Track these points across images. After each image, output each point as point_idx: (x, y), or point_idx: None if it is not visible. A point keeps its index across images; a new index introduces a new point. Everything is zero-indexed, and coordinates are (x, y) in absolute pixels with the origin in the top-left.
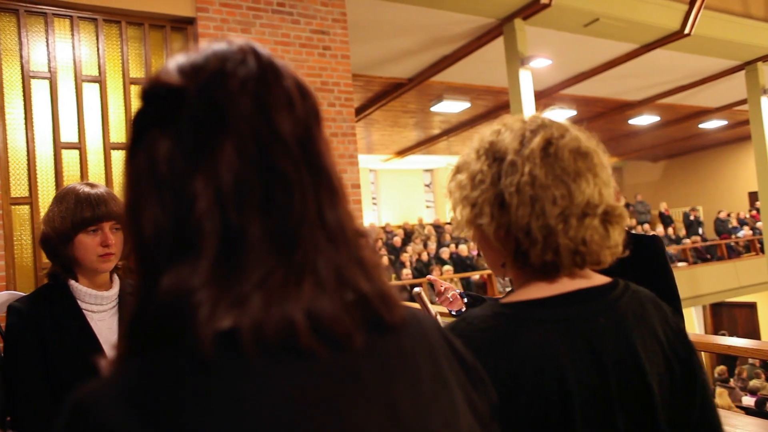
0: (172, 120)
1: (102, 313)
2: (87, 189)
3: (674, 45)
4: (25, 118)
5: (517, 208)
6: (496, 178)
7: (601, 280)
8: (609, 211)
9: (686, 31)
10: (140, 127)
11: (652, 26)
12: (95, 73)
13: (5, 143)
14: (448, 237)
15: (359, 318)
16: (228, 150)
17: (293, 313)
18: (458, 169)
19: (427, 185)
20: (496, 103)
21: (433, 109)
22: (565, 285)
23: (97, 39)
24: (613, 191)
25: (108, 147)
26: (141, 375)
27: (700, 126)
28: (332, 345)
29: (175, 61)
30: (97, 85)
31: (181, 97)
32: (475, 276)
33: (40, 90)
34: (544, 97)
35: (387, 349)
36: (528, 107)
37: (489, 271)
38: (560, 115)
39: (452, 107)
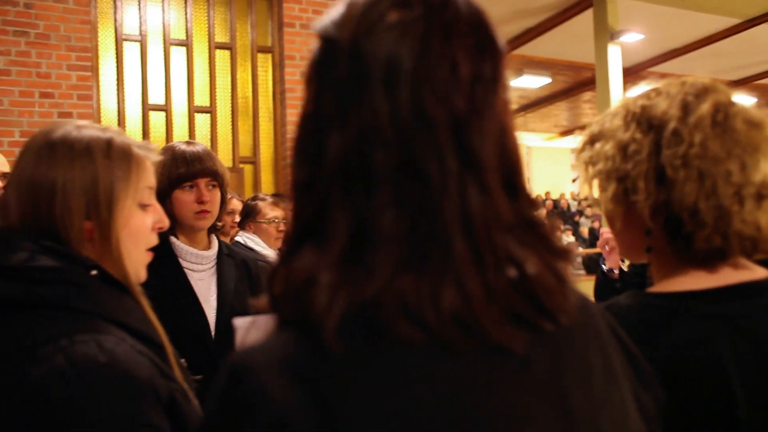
0: (325, 74)
1: (201, 272)
2: (184, 146)
3: None
4: (117, 80)
5: (683, 185)
6: (654, 148)
7: (765, 272)
8: None
9: None
10: (306, 77)
11: None
12: (182, 36)
13: (98, 103)
14: None
15: (521, 305)
16: (360, 120)
17: (431, 316)
18: (595, 138)
19: None
20: (578, 80)
21: (512, 83)
22: (728, 276)
23: (185, 3)
24: None
25: (192, 110)
26: (294, 346)
27: None
28: (485, 344)
29: (337, 9)
30: (184, 49)
31: (335, 46)
32: None
33: (131, 53)
34: (630, 75)
35: (557, 338)
36: (615, 85)
37: None
38: None
39: (532, 82)
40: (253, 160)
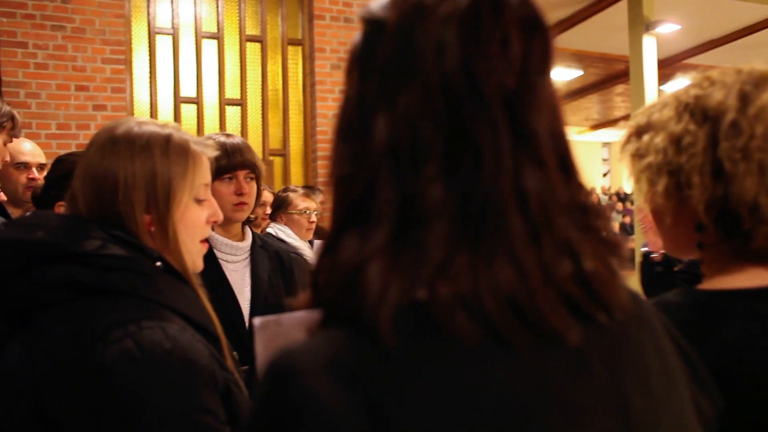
0: (370, 54)
1: (236, 264)
2: (223, 138)
3: None
4: (150, 73)
5: (743, 179)
6: (710, 141)
7: None
8: None
9: None
10: (348, 62)
11: None
12: (214, 30)
13: (132, 96)
14: None
15: (577, 292)
16: (409, 97)
17: (487, 297)
18: (642, 130)
19: None
20: (609, 72)
21: None
22: None
23: None
24: None
25: (223, 102)
26: (342, 344)
27: None
28: (541, 334)
29: None
30: (215, 42)
31: (381, 29)
32: None
33: (163, 46)
34: (665, 67)
35: (614, 337)
36: (650, 77)
37: None
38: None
39: (563, 75)
40: (283, 153)
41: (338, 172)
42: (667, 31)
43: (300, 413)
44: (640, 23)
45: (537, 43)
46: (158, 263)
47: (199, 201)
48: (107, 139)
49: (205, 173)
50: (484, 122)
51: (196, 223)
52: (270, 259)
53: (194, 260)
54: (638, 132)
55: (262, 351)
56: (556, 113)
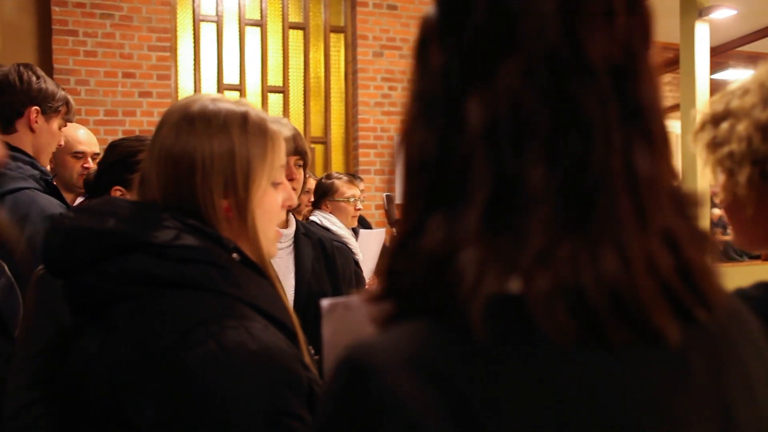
0: (456, 27)
1: (280, 251)
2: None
3: None
4: (194, 60)
5: None
6: None
7: None
8: None
9: None
10: (423, 37)
11: None
12: (257, 17)
13: (176, 83)
14: None
15: (678, 285)
16: (509, 70)
17: (590, 288)
18: (719, 117)
19: None
20: (659, 60)
21: None
22: None
23: None
24: None
25: (265, 90)
26: (426, 339)
27: None
28: (641, 330)
29: None
30: (258, 29)
31: (465, 3)
32: None
33: (207, 33)
34: (716, 55)
35: (715, 338)
36: (701, 65)
37: None
38: (737, 75)
39: None
40: (324, 141)
41: (421, 157)
42: (722, 17)
43: (381, 414)
44: (692, 9)
45: (639, 16)
46: (234, 255)
47: (275, 184)
48: (181, 118)
49: (282, 154)
50: (592, 94)
51: (273, 208)
52: (313, 246)
53: (270, 247)
54: (714, 120)
55: (330, 336)
56: (658, 89)
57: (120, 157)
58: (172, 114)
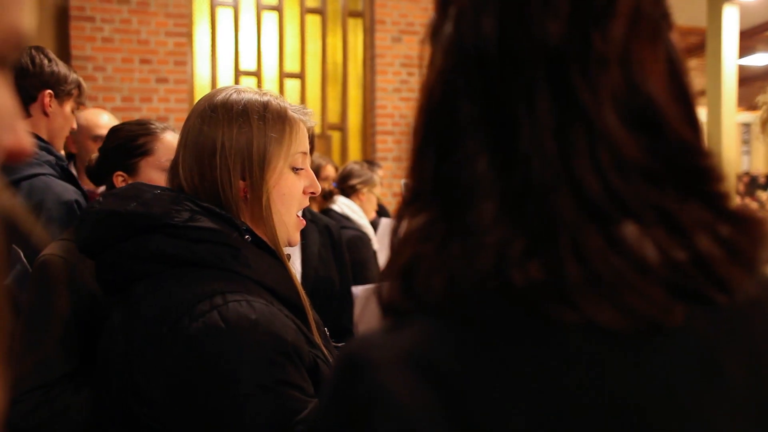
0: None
1: None
2: None
3: None
4: (211, 46)
5: None
6: None
7: None
8: None
9: None
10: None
11: None
12: (274, 2)
13: (193, 69)
14: None
15: (683, 278)
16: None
17: (573, 274)
18: None
19: None
20: (683, 45)
21: None
22: None
23: None
24: None
25: (282, 75)
26: (421, 336)
27: None
28: (639, 319)
29: None
30: (275, 14)
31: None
32: None
33: (224, 18)
34: (745, 39)
35: (749, 335)
36: (729, 50)
37: None
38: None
39: None
40: (341, 127)
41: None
42: (751, 0)
43: (372, 410)
44: None
45: None
46: (247, 236)
47: (296, 170)
48: (207, 107)
49: (302, 141)
50: (518, 88)
51: (293, 192)
52: (320, 232)
53: (290, 232)
54: None
55: (362, 320)
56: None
57: (121, 142)
58: (200, 104)
